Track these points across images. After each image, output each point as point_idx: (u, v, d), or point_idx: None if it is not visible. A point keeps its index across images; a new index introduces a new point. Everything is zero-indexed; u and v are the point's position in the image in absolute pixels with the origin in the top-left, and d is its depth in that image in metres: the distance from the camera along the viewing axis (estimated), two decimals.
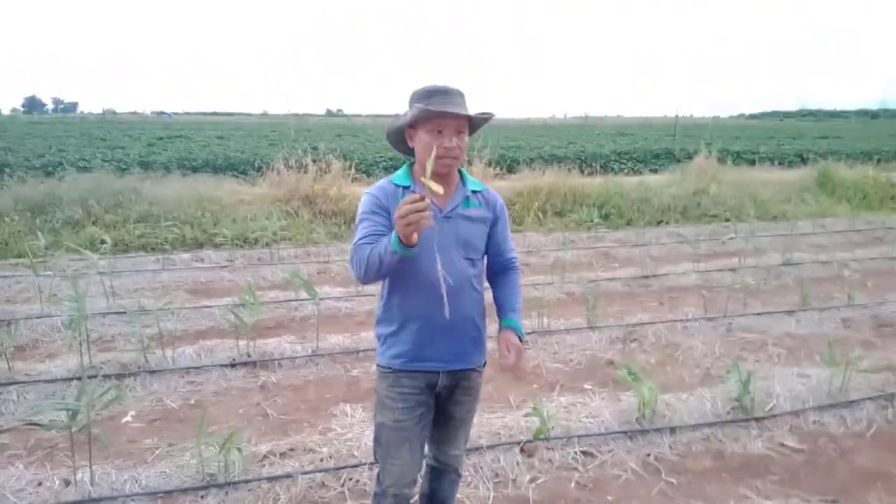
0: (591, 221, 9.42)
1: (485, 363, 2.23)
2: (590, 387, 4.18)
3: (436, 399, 2.17)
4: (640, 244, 8.46)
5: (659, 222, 10.15)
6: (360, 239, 1.98)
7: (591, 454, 3.27)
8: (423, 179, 1.72)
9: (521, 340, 2.13)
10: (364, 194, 2.10)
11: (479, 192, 2.17)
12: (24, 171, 11.17)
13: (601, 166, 15.89)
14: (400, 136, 2.11)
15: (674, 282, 6.65)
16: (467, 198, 2.11)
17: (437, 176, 2.04)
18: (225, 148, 19.11)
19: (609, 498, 2.96)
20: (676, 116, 33.92)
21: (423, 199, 1.69)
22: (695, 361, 4.59)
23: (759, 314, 5.47)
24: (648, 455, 3.27)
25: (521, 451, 3.26)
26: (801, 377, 4.07)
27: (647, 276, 6.75)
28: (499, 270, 2.26)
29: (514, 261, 2.28)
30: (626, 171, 16.12)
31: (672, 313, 5.58)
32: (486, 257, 2.24)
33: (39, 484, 2.91)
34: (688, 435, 3.42)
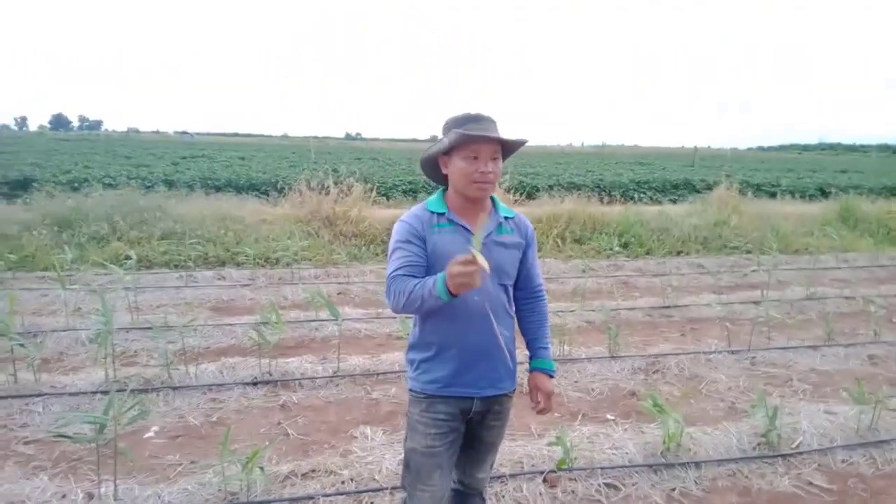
0: (611, 249, 9.40)
1: (515, 389, 2.23)
2: (612, 417, 4.13)
3: (467, 424, 2.16)
4: (661, 274, 8.41)
5: (679, 252, 10.09)
6: (396, 270, 1.99)
7: (614, 486, 3.22)
8: (473, 251, 1.74)
9: (553, 376, 2.18)
10: (398, 222, 2.11)
11: (511, 218, 2.18)
12: (51, 186, 11.40)
13: (620, 195, 15.91)
14: (434, 163, 2.13)
15: (696, 313, 6.59)
16: (500, 224, 2.13)
17: (472, 201, 2.07)
18: (247, 168, 19.39)
19: None
20: (695, 147, 33.98)
21: (474, 261, 1.70)
22: (719, 395, 4.52)
23: (783, 348, 5.39)
24: (673, 490, 3.21)
25: (544, 481, 3.22)
26: (828, 414, 3.99)
27: (668, 307, 6.70)
28: (527, 298, 2.26)
29: (541, 288, 2.28)
30: (645, 200, 16.11)
31: (695, 344, 5.52)
32: (515, 286, 2.24)
33: (63, 497, 2.92)
34: (713, 470, 3.36)
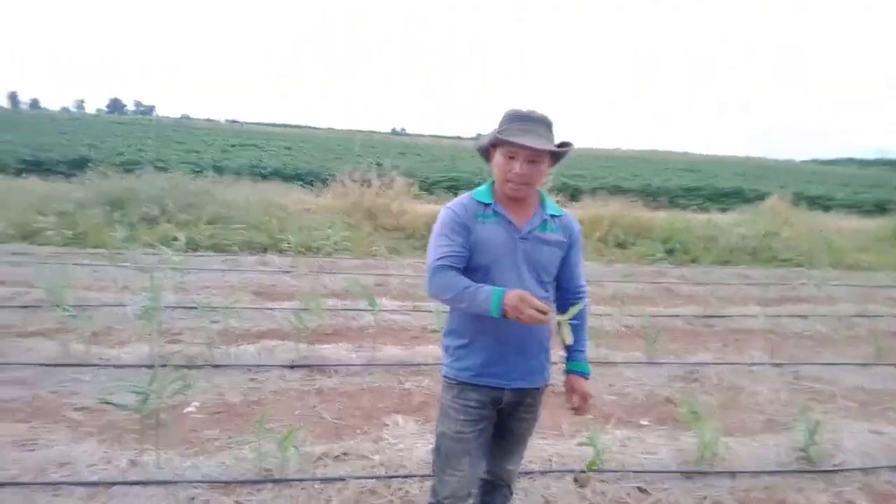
0: (655, 256, 9.25)
1: (548, 383, 2.23)
2: (646, 423, 4.08)
3: (498, 414, 2.17)
4: (705, 283, 8.23)
5: (726, 262, 9.87)
6: (439, 259, 2.01)
7: (645, 491, 3.17)
8: (559, 322, 1.87)
9: (587, 379, 2.20)
10: (444, 209, 2.12)
11: (558, 216, 2.17)
12: (105, 167, 11.82)
13: (668, 201, 15.64)
14: (487, 153, 2.16)
15: (739, 324, 6.44)
16: (545, 221, 2.12)
17: (508, 200, 2.08)
18: (293, 158, 19.78)
19: None
20: (748, 157, 33.13)
21: (546, 313, 1.79)
22: (758, 407, 4.41)
23: (829, 364, 5.23)
24: (705, 498, 3.15)
25: (574, 480, 3.19)
26: (873, 433, 3.85)
27: (710, 316, 6.57)
28: (568, 298, 2.23)
29: (583, 290, 2.25)
30: (693, 207, 15.80)
31: (736, 355, 5.40)
32: (556, 284, 2.23)
33: (109, 461, 3.04)
34: (748, 481, 3.28)
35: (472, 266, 2.07)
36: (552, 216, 2.15)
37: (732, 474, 3.30)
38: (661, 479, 3.25)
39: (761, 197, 15.32)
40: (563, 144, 2.09)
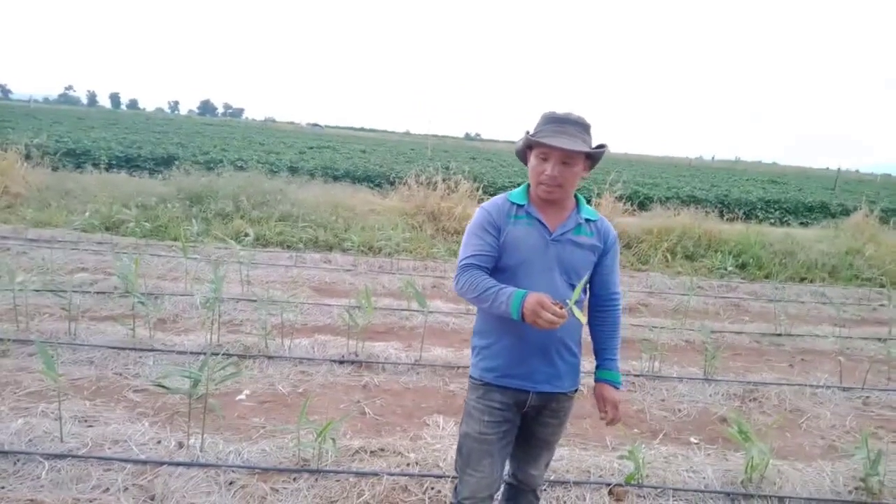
0: (725, 269, 8.87)
1: (576, 389, 2.19)
2: (696, 441, 3.93)
3: (522, 418, 2.16)
4: (777, 300, 7.82)
5: (802, 279, 9.35)
6: (468, 258, 2.06)
7: None
8: (570, 304, 1.86)
9: (619, 387, 2.16)
10: (479, 209, 2.16)
11: (594, 221, 2.15)
12: (189, 165, 12.48)
13: (744, 213, 14.96)
14: (524, 155, 2.17)
15: (809, 344, 6.09)
16: (579, 225, 2.11)
17: (542, 202, 2.09)
18: (366, 161, 20.18)
19: None
20: (839, 169, 31.28)
21: (562, 314, 1.81)
22: (820, 431, 4.16)
23: None
24: None
25: (610, 493, 3.12)
26: None
27: (779, 334, 6.24)
28: (600, 305, 2.22)
29: (616, 297, 2.22)
30: (771, 220, 15.06)
31: (802, 376, 5.11)
32: (589, 290, 2.21)
33: (158, 442, 3.21)
34: None
35: (500, 266, 2.08)
36: (587, 220, 2.13)
37: (781, 500, 3.13)
38: (703, 498, 3.13)
39: (847, 212, 14.44)
40: (598, 147, 2.07)
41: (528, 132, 2.07)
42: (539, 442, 2.23)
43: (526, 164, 2.17)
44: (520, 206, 2.10)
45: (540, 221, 2.07)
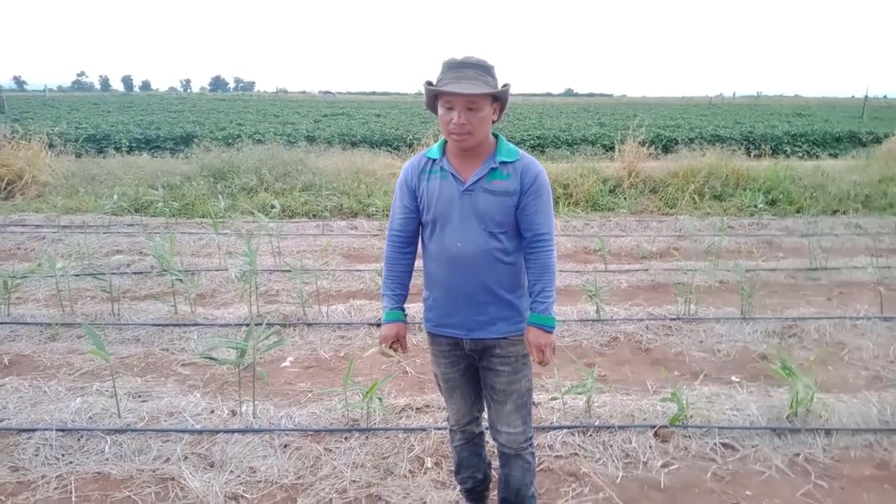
0: (755, 207, 8.72)
1: (520, 335, 2.15)
2: (737, 380, 3.94)
3: (477, 361, 2.24)
4: (811, 234, 7.68)
5: (835, 211, 9.15)
6: (390, 227, 2.23)
7: (731, 447, 3.09)
8: (382, 350, 2.27)
9: (550, 331, 2.08)
10: (404, 167, 2.23)
11: (511, 162, 2.08)
12: (209, 142, 12.53)
13: (771, 149, 14.60)
14: (434, 107, 2.10)
15: (846, 276, 6.00)
16: (493, 170, 2.06)
17: (458, 151, 2.08)
18: (381, 125, 20.06)
19: (748, 493, 2.79)
20: (866, 96, 30.25)
21: (391, 356, 2.29)
22: (863, 363, 4.14)
23: None
24: (797, 455, 3.03)
25: (655, 435, 3.16)
26: None
27: (815, 269, 6.16)
28: (527, 247, 2.12)
29: (543, 238, 2.10)
30: (800, 154, 14.70)
31: (841, 309, 5.06)
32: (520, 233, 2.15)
33: (212, 411, 3.33)
34: (846, 439, 3.12)
35: (423, 221, 2.16)
36: (503, 162, 2.07)
37: (828, 432, 3.14)
38: (748, 435, 3.16)
39: (878, 140, 14.01)
40: (504, 87, 2.04)
41: (427, 82, 2.01)
42: (498, 394, 2.21)
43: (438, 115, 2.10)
44: (434, 161, 2.11)
45: (452, 174, 2.07)
